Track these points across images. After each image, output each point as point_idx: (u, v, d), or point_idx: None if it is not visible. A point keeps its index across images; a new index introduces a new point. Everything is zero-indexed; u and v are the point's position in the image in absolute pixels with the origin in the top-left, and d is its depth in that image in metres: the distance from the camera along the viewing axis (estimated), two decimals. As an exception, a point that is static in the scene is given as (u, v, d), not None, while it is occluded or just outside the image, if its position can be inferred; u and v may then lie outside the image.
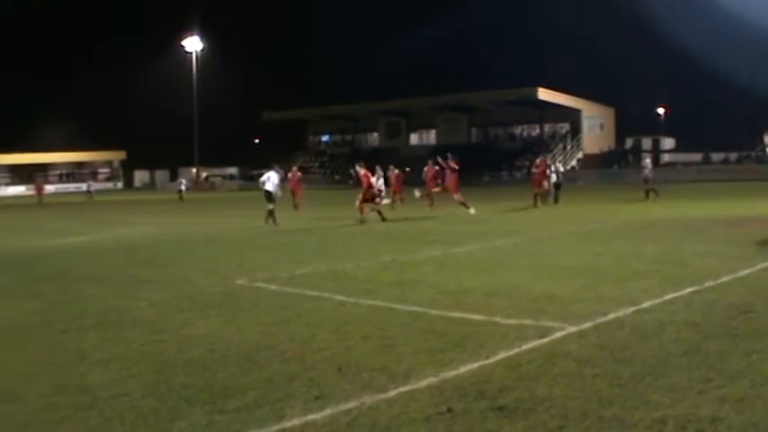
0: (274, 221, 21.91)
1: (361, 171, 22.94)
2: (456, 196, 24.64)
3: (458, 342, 6.58)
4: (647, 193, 28.93)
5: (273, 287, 10.24)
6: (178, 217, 30.39)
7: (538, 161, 30.74)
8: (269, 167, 24.45)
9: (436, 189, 26.81)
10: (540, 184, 28.46)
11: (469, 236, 16.62)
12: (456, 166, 24.95)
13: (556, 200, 28.32)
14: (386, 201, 24.53)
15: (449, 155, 25.62)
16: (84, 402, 5.23)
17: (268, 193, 22.30)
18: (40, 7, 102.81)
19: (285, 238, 18.37)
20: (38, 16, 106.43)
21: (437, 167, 27.40)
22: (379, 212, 22.26)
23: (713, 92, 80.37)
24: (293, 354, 6.43)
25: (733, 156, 63.83)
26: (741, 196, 29.42)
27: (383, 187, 24.97)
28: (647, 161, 32.98)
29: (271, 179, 22.54)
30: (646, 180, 30.03)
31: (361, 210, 22.27)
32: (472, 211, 23.46)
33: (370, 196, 22.52)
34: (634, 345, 6.31)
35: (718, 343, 6.25)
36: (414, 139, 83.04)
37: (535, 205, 27.14)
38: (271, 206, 22.16)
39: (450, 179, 25.15)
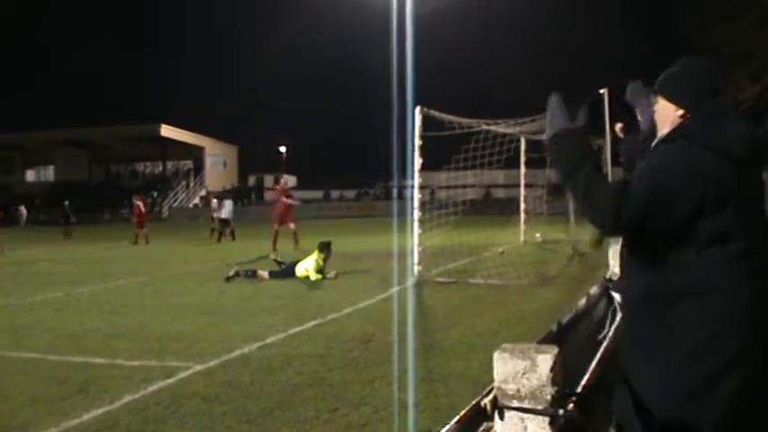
0: None
1: None
2: None
3: (80, 388, 6.37)
4: (219, 233, 28.95)
5: None
6: None
7: (138, 204, 30.15)
8: None
9: None
10: (140, 224, 28.81)
11: (92, 276, 15.94)
12: None
13: (221, 236, 28.25)
14: None
15: None
16: None
17: None
18: None
19: None
20: None
21: None
22: None
23: (332, 130, 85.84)
24: None
25: (351, 193, 67.88)
26: (359, 232, 30.76)
27: None
28: (215, 201, 31.85)
29: None
30: (213, 219, 30.13)
31: None
32: None
33: None
34: (261, 380, 6.45)
35: (342, 373, 6.60)
36: (30, 175, 76.67)
37: (136, 243, 27.81)
38: None
39: None
